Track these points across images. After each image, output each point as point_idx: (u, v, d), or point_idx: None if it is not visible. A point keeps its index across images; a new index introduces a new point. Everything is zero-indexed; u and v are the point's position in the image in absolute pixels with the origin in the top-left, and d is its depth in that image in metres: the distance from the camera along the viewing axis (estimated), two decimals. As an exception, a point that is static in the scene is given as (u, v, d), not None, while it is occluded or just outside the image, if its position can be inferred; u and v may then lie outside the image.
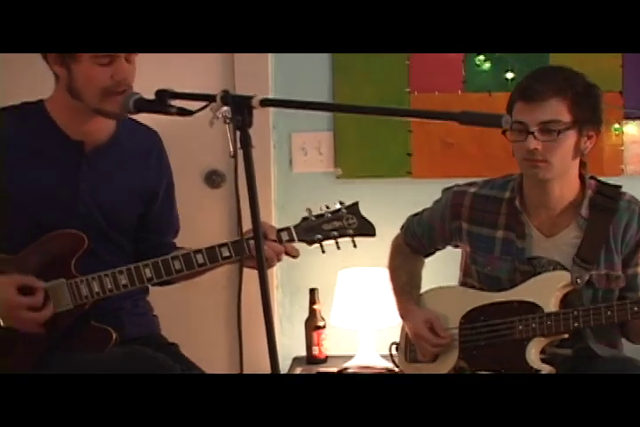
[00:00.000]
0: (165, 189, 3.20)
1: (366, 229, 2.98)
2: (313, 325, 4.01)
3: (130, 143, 3.10)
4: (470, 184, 3.17)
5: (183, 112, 2.46)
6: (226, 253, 2.92)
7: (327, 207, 2.98)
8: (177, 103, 2.52)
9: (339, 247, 2.98)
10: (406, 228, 3.31)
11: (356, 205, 2.99)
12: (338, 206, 2.98)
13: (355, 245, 2.97)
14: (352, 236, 2.97)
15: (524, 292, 3.02)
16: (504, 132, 2.87)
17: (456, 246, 3.24)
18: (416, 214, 3.31)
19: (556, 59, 3.93)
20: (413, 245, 3.30)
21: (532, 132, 2.86)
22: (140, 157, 3.13)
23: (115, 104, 2.87)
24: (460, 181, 3.22)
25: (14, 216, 2.97)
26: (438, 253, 3.35)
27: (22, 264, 2.95)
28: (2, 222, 3.00)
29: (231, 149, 2.16)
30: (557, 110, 2.87)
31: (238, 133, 2.17)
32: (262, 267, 2.18)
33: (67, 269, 2.92)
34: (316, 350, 4.01)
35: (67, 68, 2.91)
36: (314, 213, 2.97)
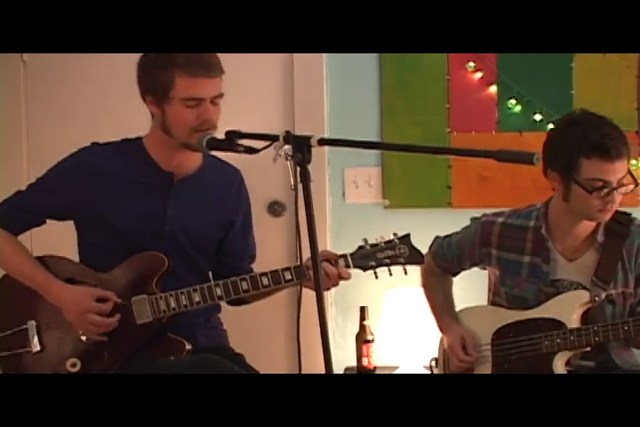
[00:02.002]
0: (243, 218, 3.19)
1: (416, 258, 2.96)
2: (363, 339, 3.98)
3: (213, 177, 3.11)
4: (497, 214, 3.15)
5: (250, 150, 2.51)
6: (288, 277, 2.91)
7: (382, 238, 2.96)
8: (244, 142, 2.56)
9: (391, 274, 2.95)
10: (435, 250, 3.27)
11: (407, 236, 2.96)
12: (391, 237, 2.96)
13: (406, 273, 2.95)
14: (403, 264, 2.95)
15: (548, 310, 3.00)
16: (590, 192, 2.85)
17: (483, 268, 3.21)
18: (444, 237, 3.28)
19: (579, 102, 3.94)
20: (443, 266, 3.27)
21: (615, 189, 2.87)
22: (222, 189, 3.13)
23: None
24: (494, 211, 3.20)
25: (109, 237, 3.01)
26: (464, 274, 3.31)
27: (112, 280, 2.99)
28: (96, 242, 3.06)
29: (292, 183, 2.18)
30: (626, 166, 2.89)
31: (298, 169, 2.19)
32: (319, 287, 2.18)
33: (149, 286, 2.94)
34: (365, 361, 3.97)
35: (161, 108, 2.93)
36: (369, 243, 2.95)
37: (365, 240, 2.95)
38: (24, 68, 4.27)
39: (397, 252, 2.94)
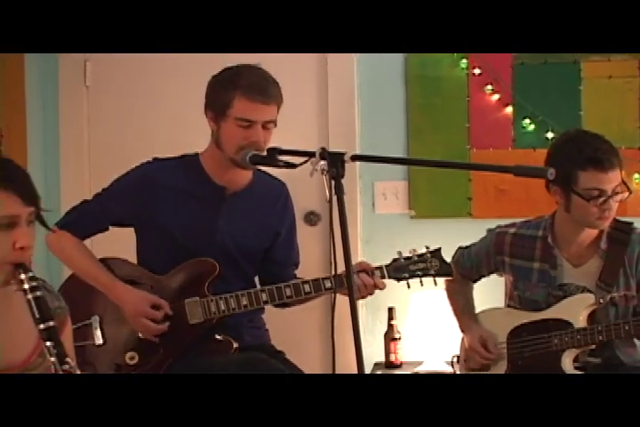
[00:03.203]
0: (287, 229, 3.20)
1: (446, 271, 2.98)
2: (390, 337, 3.98)
3: (262, 191, 3.13)
4: (509, 225, 3.17)
5: (289, 166, 2.53)
6: (328, 285, 2.93)
7: (414, 251, 2.98)
8: (284, 158, 2.58)
9: (422, 284, 2.99)
10: (457, 259, 3.25)
11: (439, 250, 2.99)
12: (424, 250, 2.98)
13: (436, 284, 2.98)
14: (434, 276, 2.98)
15: (557, 311, 3.02)
16: (588, 200, 2.87)
17: (500, 275, 3.23)
18: (465, 247, 3.28)
19: (587, 121, 3.96)
20: (463, 273, 3.27)
21: (610, 197, 2.89)
22: (269, 203, 3.15)
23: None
24: (511, 221, 3.20)
25: (166, 243, 3.04)
26: (484, 281, 3.32)
27: (168, 282, 3.02)
28: (153, 247, 3.09)
29: (327, 195, 2.19)
30: (619, 176, 2.92)
31: (333, 182, 2.20)
32: (351, 290, 2.18)
33: (201, 290, 2.97)
34: (392, 357, 3.98)
35: (218, 124, 2.97)
36: (403, 255, 2.97)
37: (400, 253, 2.97)
38: (87, 93, 4.29)
39: (429, 265, 2.96)
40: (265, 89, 2.92)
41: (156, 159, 3.12)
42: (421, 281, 2.98)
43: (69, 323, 2.30)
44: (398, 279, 2.97)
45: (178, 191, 3.04)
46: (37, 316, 2.02)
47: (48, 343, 2.01)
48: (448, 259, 3.05)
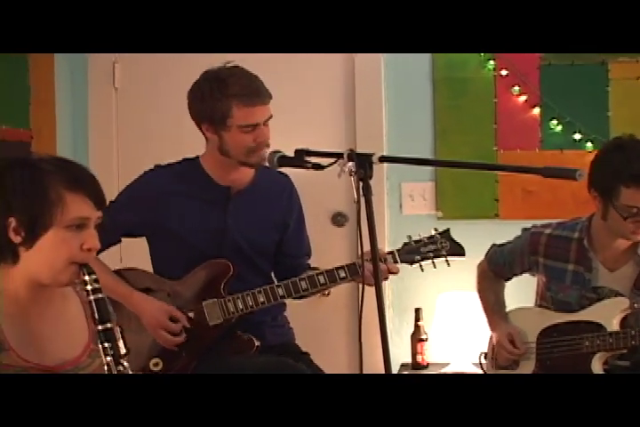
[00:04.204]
0: (295, 219, 3.20)
1: (457, 250, 2.98)
2: (417, 338, 3.97)
3: (266, 186, 3.13)
4: (545, 226, 3.13)
5: (317, 167, 2.49)
6: (342, 275, 2.94)
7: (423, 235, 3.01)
8: (311, 159, 2.54)
9: (435, 266, 2.98)
10: (490, 257, 3.26)
11: (447, 231, 3.00)
12: (433, 233, 3.00)
13: (448, 264, 2.97)
14: (445, 256, 2.98)
15: (590, 314, 2.99)
16: (625, 218, 2.82)
17: (532, 275, 3.20)
18: (499, 245, 3.26)
19: (615, 123, 3.95)
20: (496, 271, 3.26)
21: None
22: (274, 196, 3.16)
23: (256, 158, 2.94)
24: (537, 222, 3.19)
25: (179, 248, 3.05)
26: (514, 280, 3.30)
27: (184, 287, 3.03)
28: (167, 254, 3.10)
29: (355, 196, 2.17)
30: None
31: (361, 184, 2.19)
32: (379, 291, 2.17)
33: (218, 291, 2.98)
34: (419, 358, 3.97)
35: (218, 134, 2.96)
36: (413, 239, 2.99)
37: (409, 237, 2.99)
38: (115, 94, 4.31)
39: (439, 245, 2.97)
40: (257, 90, 2.92)
41: (157, 166, 3.12)
42: (434, 263, 2.98)
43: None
44: (411, 262, 2.97)
45: (183, 196, 3.04)
46: (97, 317, 2.05)
47: (106, 344, 2.04)
48: (476, 261, 3.10)
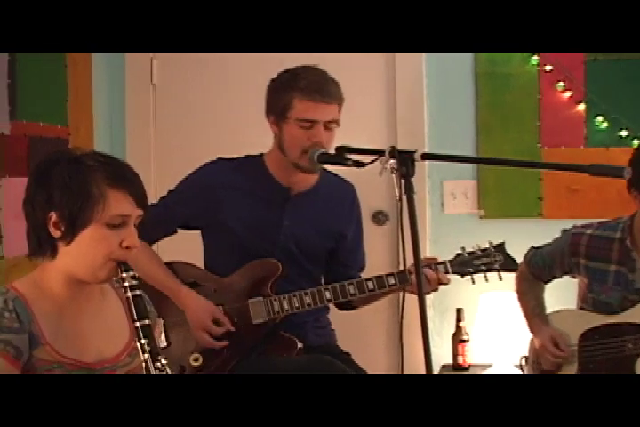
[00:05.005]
0: (354, 231, 3.21)
1: (510, 265, 3.00)
2: (458, 338, 3.97)
3: (328, 192, 3.14)
4: (586, 226, 3.10)
5: (358, 164, 2.54)
6: (392, 281, 2.94)
7: (478, 246, 3.00)
8: (352, 157, 2.61)
9: (487, 280, 3.00)
10: (529, 259, 3.23)
11: (502, 244, 3.00)
12: (487, 245, 3.00)
13: (500, 278, 3.00)
14: (498, 270, 2.99)
15: (633, 316, 2.96)
16: None
17: (573, 277, 3.19)
18: (538, 247, 3.24)
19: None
20: (535, 273, 3.23)
21: None
22: (335, 204, 3.16)
23: (309, 162, 2.94)
24: (583, 221, 3.16)
25: (230, 244, 3.07)
26: (555, 282, 3.28)
27: (231, 283, 3.05)
28: (218, 248, 3.12)
29: (397, 194, 2.18)
30: None
31: (403, 181, 2.19)
32: (421, 290, 2.17)
33: (264, 289, 3.00)
34: (460, 360, 3.97)
35: (279, 127, 2.99)
36: (466, 250, 2.99)
37: (463, 248, 2.98)
38: (153, 91, 4.33)
39: (493, 259, 2.98)
40: (324, 88, 2.93)
41: (220, 159, 3.14)
42: (486, 276, 2.99)
43: (157, 328, 2.42)
44: (462, 274, 2.97)
45: (242, 192, 3.06)
46: (135, 313, 2.08)
47: (143, 341, 2.07)
48: (518, 260, 3.06)
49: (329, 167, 3.09)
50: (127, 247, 2.09)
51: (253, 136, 3.26)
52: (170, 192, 3.16)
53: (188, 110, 4.33)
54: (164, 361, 2.07)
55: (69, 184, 2.05)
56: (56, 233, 2.06)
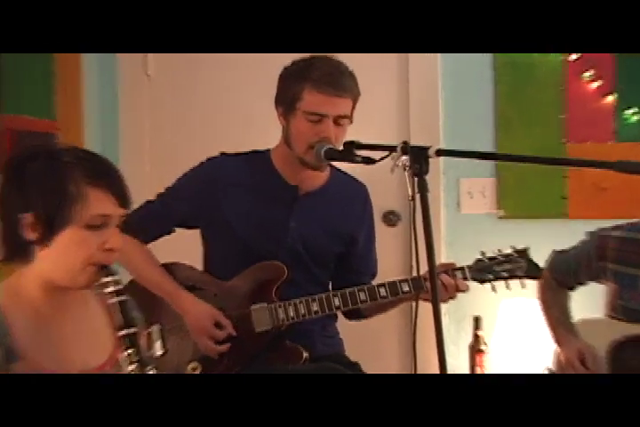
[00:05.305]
0: (365, 235, 3.18)
1: (534, 272, 2.94)
2: (476, 348, 3.91)
3: (338, 192, 3.11)
4: (614, 228, 3.05)
5: (367, 161, 2.51)
6: (405, 288, 2.90)
7: (499, 251, 2.94)
8: (361, 153, 2.58)
9: (508, 288, 2.95)
10: (552, 264, 3.19)
11: (526, 250, 2.94)
12: (509, 251, 2.94)
13: (523, 286, 2.94)
14: (521, 277, 2.94)
15: None
16: None
17: (599, 283, 3.11)
18: (561, 251, 3.20)
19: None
20: (559, 279, 3.18)
21: None
22: (345, 205, 3.13)
23: (314, 158, 2.91)
24: (612, 222, 3.10)
25: (232, 246, 3.04)
26: (582, 288, 3.21)
27: (233, 288, 3.01)
28: (219, 249, 3.09)
29: (410, 193, 2.17)
30: None
31: (416, 179, 2.18)
32: (436, 296, 2.16)
33: (269, 295, 2.96)
34: (477, 371, 3.91)
35: (287, 120, 2.96)
36: (487, 256, 2.93)
37: (483, 253, 2.93)
38: (148, 82, 4.31)
39: (515, 265, 2.92)
40: (337, 80, 2.89)
41: (223, 154, 3.10)
42: (507, 284, 2.93)
43: (154, 335, 2.50)
44: (482, 281, 2.93)
45: (246, 189, 3.02)
46: (120, 321, 2.06)
47: (130, 351, 2.04)
48: (541, 264, 3.00)
49: (340, 166, 3.07)
50: (109, 250, 2.05)
51: (253, 130, 3.26)
52: (168, 188, 3.13)
53: (186, 103, 4.33)
54: (152, 372, 2.04)
55: (45, 183, 2.02)
56: (32, 236, 2.02)
